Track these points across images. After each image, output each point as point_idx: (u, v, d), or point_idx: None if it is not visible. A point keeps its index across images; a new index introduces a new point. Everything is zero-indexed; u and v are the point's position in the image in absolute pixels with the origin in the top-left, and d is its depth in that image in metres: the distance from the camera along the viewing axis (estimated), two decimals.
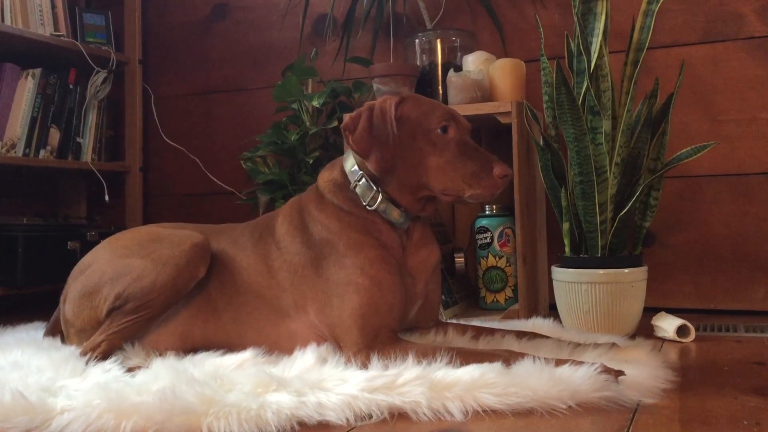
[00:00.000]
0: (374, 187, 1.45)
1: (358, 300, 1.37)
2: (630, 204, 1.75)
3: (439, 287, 1.64)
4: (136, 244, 1.49)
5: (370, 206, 1.45)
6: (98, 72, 2.73)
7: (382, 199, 1.45)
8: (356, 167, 1.48)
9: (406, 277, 1.47)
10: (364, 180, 1.46)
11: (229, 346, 1.47)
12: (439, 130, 1.42)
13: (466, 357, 1.25)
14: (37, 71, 2.60)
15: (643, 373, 1.23)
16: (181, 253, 1.45)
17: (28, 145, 2.56)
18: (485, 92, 2.10)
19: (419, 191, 1.45)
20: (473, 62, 2.16)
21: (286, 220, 1.51)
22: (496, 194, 1.42)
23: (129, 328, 1.42)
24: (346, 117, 1.49)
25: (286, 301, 1.45)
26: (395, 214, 1.46)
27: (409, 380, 1.15)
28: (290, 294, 1.45)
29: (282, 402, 1.09)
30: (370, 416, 1.09)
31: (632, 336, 1.71)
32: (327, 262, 1.42)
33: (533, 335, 1.50)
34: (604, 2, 1.76)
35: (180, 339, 1.49)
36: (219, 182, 2.79)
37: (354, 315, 1.36)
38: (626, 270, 1.76)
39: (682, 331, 1.71)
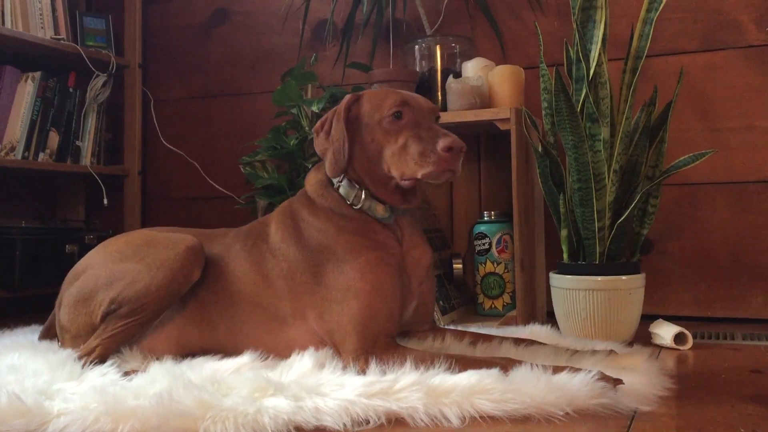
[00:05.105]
0: (356, 186, 1.46)
1: (357, 306, 1.36)
2: (628, 211, 1.75)
3: (433, 289, 1.63)
4: (131, 248, 1.49)
5: (355, 205, 1.46)
6: (98, 75, 2.74)
7: (366, 197, 1.46)
8: None
9: (403, 276, 1.47)
10: (345, 180, 1.47)
11: (226, 354, 1.46)
12: (391, 117, 1.40)
13: (463, 363, 1.25)
14: (37, 74, 2.60)
15: (641, 380, 1.24)
16: (175, 257, 1.44)
17: (27, 148, 2.56)
18: (484, 99, 2.10)
19: (389, 182, 1.45)
20: (472, 68, 2.16)
21: (280, 227, 1.50)
22: (454, 170, 1.37)
23: (124, 332, 1.42)
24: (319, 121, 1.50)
25: (283, 309, 1.44)
26: (380, 210, 1.46)
27: (406, 386, 1.15)
28: (288, 302, 1.44)
29: (279, 407, 1.08)
30: (368, 422, 1.09)
31: (630, 343, 1.71)
32: (326, 268, 1.41)
33: (531, 342, 1.50)
34: (603, 10, 1.76)
35: (176, 346, 1.49)
36: (218, 186, 2.79)
37: (353, 321, 1.35)
38: (624, 277, 1.76)
39: (679, 338, 1.71)
